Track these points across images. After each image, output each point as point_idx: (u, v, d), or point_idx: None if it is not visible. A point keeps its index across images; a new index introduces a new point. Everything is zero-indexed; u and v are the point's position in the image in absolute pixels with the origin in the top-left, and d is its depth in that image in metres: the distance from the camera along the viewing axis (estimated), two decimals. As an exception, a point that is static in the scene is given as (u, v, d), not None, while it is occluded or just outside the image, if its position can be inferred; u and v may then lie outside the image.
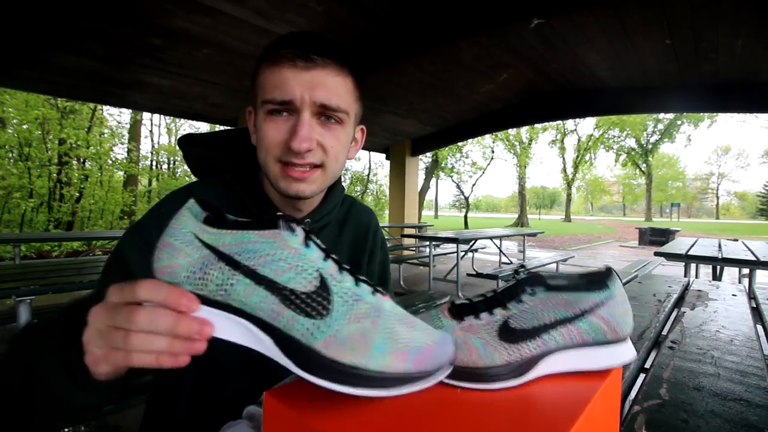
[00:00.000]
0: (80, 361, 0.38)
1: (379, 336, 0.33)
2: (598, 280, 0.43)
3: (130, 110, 11.07)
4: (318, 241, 0.37)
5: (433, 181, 22.97)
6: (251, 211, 0.64)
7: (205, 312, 0.34)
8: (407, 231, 7.64)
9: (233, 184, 0.65)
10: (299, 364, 0.32)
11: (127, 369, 0.38)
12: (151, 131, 18.63)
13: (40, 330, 0.47)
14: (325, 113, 0.56)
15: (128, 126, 11.87)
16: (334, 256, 0.37)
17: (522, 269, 0.43)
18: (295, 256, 0.35)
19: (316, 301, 0.33)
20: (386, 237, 7.42)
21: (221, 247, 0.35)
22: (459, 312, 0.42)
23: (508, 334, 0.39)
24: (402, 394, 0.32)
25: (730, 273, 4.97)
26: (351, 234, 0.75)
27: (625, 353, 0.42)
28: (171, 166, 17.69)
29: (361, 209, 0.79)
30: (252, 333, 0.34)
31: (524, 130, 23.68)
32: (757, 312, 1.52)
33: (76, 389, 0.41)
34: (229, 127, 0.73)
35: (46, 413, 0.43)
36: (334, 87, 0.56)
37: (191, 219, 0.36)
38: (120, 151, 11.62)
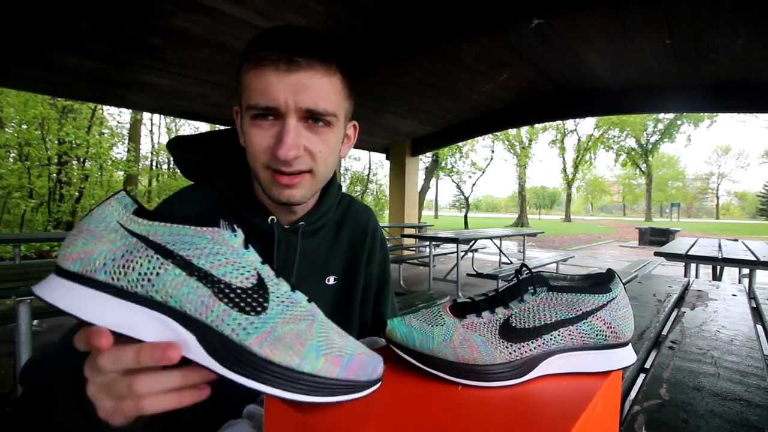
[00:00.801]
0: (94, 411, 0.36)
1: (315, 338, 0.32)
2: (600, 282, 0.43)
3: (130, 110, 11.07)
4: (246, 240, 0.36)
5: (433, 181, 22.97)
6: (243, 216, 0.62)
7: (118, 305, 0.31)
8: (407, 231, 7.64)
9: (223, 187, 0.63)
10: (225, 363, 0.29)
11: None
12: (151, 131, 18.64)
13: (48, 366, 0.45)
14: (312, 117, 0.54)
15: (128, 126, 11.88)
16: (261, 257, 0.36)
17: (524, 269, 0.43)
18: (233, 254, 0.34)
19: (252, 298, 0.32)
20: (387, 237, 7.41)
21: (152, 237, 0.32)
22: (461, 310, 0.42)
23: (509, 332, 0.39)
24: (333, 402, 0.31)
25: (730, 273, 4.97)
26: (349, 234, 0.74)
27: (626, 357, 0.42)
28: (171, 166, 17.69)
29: (359, 208, 0.78)
30: (172, 331, 0.31)
31: (524, 130, 23.70)
32: (757, 312, 1.52)
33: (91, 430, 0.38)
34: (221, 127, 0.72)
35: None
36: (320, 89, 0.53)
37: (119, 209, 0.34)
38: (120, 151, 11.63)
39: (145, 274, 0.31)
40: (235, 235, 0.35)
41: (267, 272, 0.35)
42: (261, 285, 0.33)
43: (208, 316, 0.31)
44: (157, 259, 0.31)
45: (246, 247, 0.35)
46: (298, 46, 0.51)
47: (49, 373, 0.44)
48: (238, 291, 0.32)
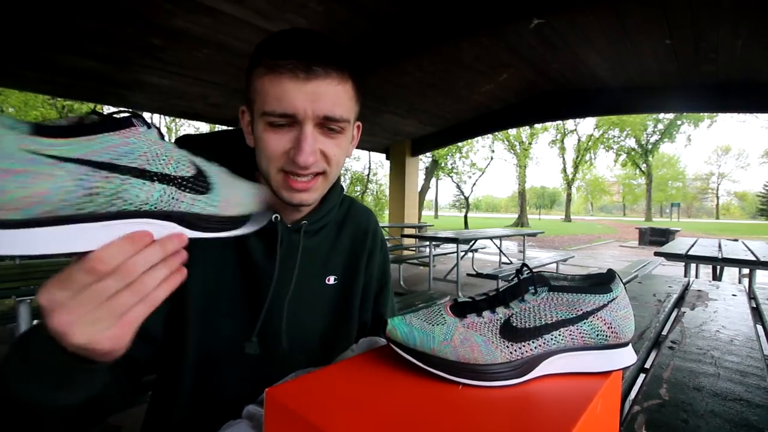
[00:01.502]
0: (44, 353, 0.36)
1: (243, 190, 0.45)
2: (601, 282, 0.43)
3: (130, 110, 11.04)
4: (159, 131, 0.39)
5: (433, 181, 22.98)
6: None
7: (99, 230, 0.32)
8: (407, 231, 7.64)
9: None
10: (199, 229, 0.39)
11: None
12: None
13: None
14: (327, 124, 0.55)
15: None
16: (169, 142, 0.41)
17: (525, 269, 0.43)
18: (165, 148, 0.37)
19: (200, 181, 0.40)
20: (386, 237, 7.42)
21: (92, 156, 0.31)
22: (461, 309, 0.42)
23: (510, 332, 0.39)
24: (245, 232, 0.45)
25: (730, 273, 4.96)
26: (350, 234, 0.75)
27: (626, 357, 0.42)
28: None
29: (360, 210, 0.79)
30: (151, 225, 0.36)
31: (524, 130, 23.70)
32: (757, 312, 1.52)
33: (45, 388, 0.38)
34: (227, 128, 0.72)
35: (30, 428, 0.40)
36: (335, 96, 0.54)
37: (10, 134, 0.28)
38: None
39: (113, 194, 0.32)
40: (150, 129, 0.37)
41: (188, 155, 0.40)
42: (198, 168, 0.41)
43: (182, 206, 0.38)
44: (115, 176, 0.32)
45: (162, 138, 0.39)
46: (315, 54, 0.52)
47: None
48: (191, 179, 0.39)
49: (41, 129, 0.30)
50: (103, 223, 0.32)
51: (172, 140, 0.68)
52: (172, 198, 0.37)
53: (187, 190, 0.38)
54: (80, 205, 0.30)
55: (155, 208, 0.35)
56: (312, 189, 0.58)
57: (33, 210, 0.28)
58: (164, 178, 0.36)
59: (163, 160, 0.36)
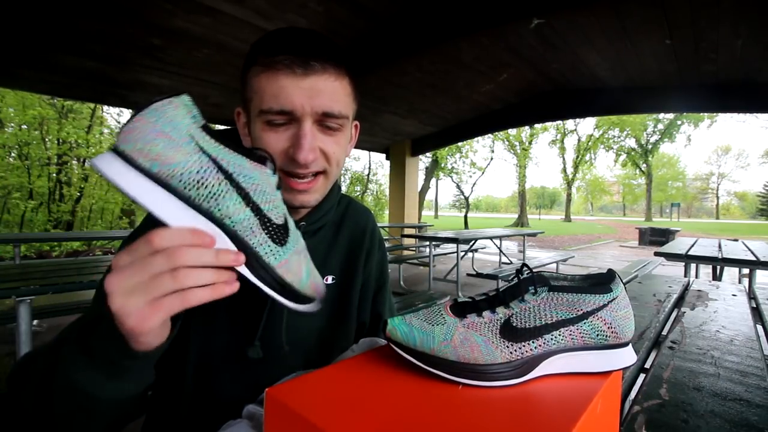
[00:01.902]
0: (106, 342, 0.38)
1: (306, 269, 0.44)
2: (601, 282, 0.43)
3: (130, 110, 11.07)
4: (279, 180, 0.45)
5: (433, 181, 22.98)
6: None
7: (186, 211, 0.37)
8: (407, 231, 7.64)
9: None
10: (254, 273, 0.39)
11: (171, 330, 0.41)
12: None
13: (45, 351, 0.45)
14: (326, 121, 0.54)
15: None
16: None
17: (525, 269, 0.43)
18: (273, 193, 0.43)
19: (281, 233, 0.42)
20: (386, 237, 7.42)
21: (221, 161, 0.39)
22: (461, 309, 0.42)
23: (510, 332, 0.39)
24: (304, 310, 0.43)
25: (730, 273, 4.97)
26: (348, 234, 0.74)
27: (626, 357, 0.42)
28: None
29: (358, 209, 0.79)
30: (224, 243, 0.38)
31: (524, 130, 23.69)
32: (757, 312, 1.52)
33: (102, 377, 0.40)
34: (225, 127, 0.72)
35: (76, 416, 0.42)
36: (333, 92, 0.53)
37: (188, 118, 0.38)
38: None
39: (215, 194, 0.38)
40: (275, 175, 0.44)
41: (287, 212, 0.45)
42: (286, 224, 0.43)
43: (252, 240, 0.39)
44: (227, 184, 0.38)
45: (278, 188, 0.44)
46: (312, 50, 0.52)
47: (48, 353, 0.44)
48: (275, 226, 0.41)
49: (206, 127, 0.40)
50: (190, 208, 0.37)
51: None
52: (251, 228, 0.39)
53: (266, 232, 0.40)
54: (188, 185, 0.37)
55: (233, 227, 0.38)
56: (313, 190, 0.58)
57: (157, 165, 0.35)
58: (257, 210, 0.40)
59: (266, 198, 0.41)
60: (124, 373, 0.41)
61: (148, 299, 0.35)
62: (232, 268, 0.38)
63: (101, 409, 0.42)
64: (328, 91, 0.53)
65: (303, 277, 0.43)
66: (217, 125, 6.77)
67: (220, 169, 0.38)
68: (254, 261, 0.39)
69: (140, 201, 0.35)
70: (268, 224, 0.40)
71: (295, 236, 0.44)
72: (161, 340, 0.40)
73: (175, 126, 0.37)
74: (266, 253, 0.40)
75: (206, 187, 0.37)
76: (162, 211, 0.36)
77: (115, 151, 0.35)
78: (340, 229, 0.74)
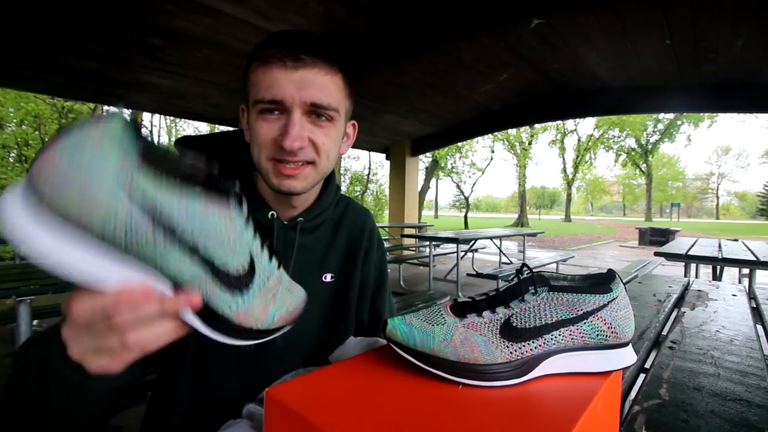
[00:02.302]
0: (64, 370, 0.37)
1: (275, 305, 0.39)
2: (601, 282, 0.43)
3: (130, 110, 11.06)
4: (248, 213, 0.37)
5: (433, 181, 22.98)
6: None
7: (111, 264, 0.30)
8: (407, 231, 7.64)
9: None
10: (208, 324, 0.35)
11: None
12: (151, 131, 18.66)
13: (46, 335, 0.45)
14: (316, 111, 0.57)
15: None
16: (254, 226, 0.38)
17: (525, 269, 0.43)
18: (237, 238, 0.35)
19: (241, 281, 0.36)
20: (386, 237, 7.41)
21: (161, 208, 0.30)
22: (461, 309, 0.42)
23: (510, 332, 0.39)
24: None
25: (730, 273, 4.97)
26: (347, 233, 0.75)
27: (626, 357, 0.42)
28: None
29: (357, 209, 0.80)
30: (170, 292, 0.34)
31: (524, 130, 23.69)
32: (757, 312, 1.52)
33: (84, 377, 0.40)
34: (228, 128, 0.73)
35: (71, 405, 0.42)
36: (323, 85, 0.56)
37: (115, 154, 0.28)
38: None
39: (150, 245, 0.31)
40: (240, 211, 0.36)
41: (256, 247, 0.38)
42: (251, 269, 0.37)
43: (202, 292, 0.34)
44: (165, 238, 0.31)
45: (247, 220, 0.37)
46: (303, 45, 0.55)
47: (41, 343, 0.44)
48: (233, 277, 0.36)
49: (150, 155, 0.30)
50: (119, 259, 0.31)
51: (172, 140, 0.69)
52: (199, 284, 0.34)
53: (220, 284, 0.35)
54: (117, 238, 0.30)
55: (177, 278, 0.33)
56: (300, 176, 0.59)
57: (72, 218, 0.28)
58: (207, 263, 0.34)
59: (222, 248, 0.34)
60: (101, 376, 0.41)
61: (102, 354, 0.34)
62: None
63: (93, 398, 0.43)
64: (318, 84, 0.56)
65: (269, 317, 0.39)
66: (217, 125, 6.78)
67: (159, 222, 0.30)
68: (204, 314, 0.35)
69: (47, 260, 0.28)
70: (223, 277, 0.35)
71: (264, 276, 0.39)
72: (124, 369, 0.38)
73: (94, 168, 0.28)
74: (220, 305, 0.35)
75: (138, 241, 0.30)
76: (97, 274, 0.30)
77: (25, 190, 0.28)
78: (339, 228, 0.75)
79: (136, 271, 0.32)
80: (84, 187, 0.28)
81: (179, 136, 0.71)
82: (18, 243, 0.28)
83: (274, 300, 0.39)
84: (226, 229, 0.34)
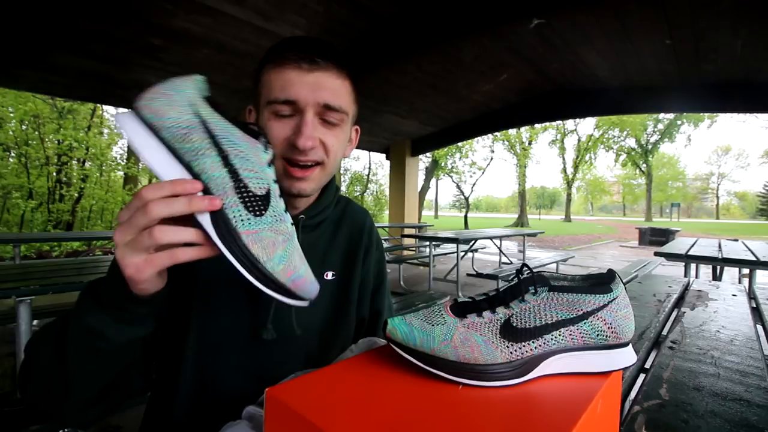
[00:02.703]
0: (111, 286, 0.43)
1: (282, 251, 0.41)
2: (601, 282, 0.43)
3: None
4: (272, 158, 0.47)
5: (433, 181, 22.98)
6: None
7: (172, 163, 0.41)
8: (407, 231, 7.64)
9: None
10: (218, 234, 0.40)
11: (165, 283, 0.45)
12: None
13: (61, 317, 0.50)
14: (327, 114, 0.59)
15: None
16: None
17: (525, 269, 0.43)
18: (259, 166, 0.44)
19: (257, 203, 0.42)
20: (386, 237, 7.41)
21: (209, 123, 0.43)
22: (461, 309, 0.42)
23: (510, 332, 0.39)
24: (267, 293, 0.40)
25: (730, 273, 4.97)
26: (346, 232, 0.77)
27: (627, 358, 0.42)
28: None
29: (356, 210, 0.82)
30: (200, 194, 0.40)
31: (524, 130, 23.68)
32: (757, 312, 1.52)
33: (110, 320, 0.45)
34: None
35: (86, 358, 0.47)
36: (335, 88, 0.59)
37: (193, 89, 0.44)
38: (120, 150, 11.58)
39: (196, 150, 0.41)
40: (266, 152, 0.46)
41: (275, 190, 0.45)
42: (267, 198, 0.43)
43: (223, 199, 0.40)
44: (208, 142, 0.41)
45: (269, 165, 0.45)
46: (318, 49, 0.58)
47: (58, 320, 0.50)
48: (250, 194, 0.41)
49: (211, 100, 0.45)
50: (173, 159, 0.41)
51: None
52: (223, 188, 0.40)
53: (239, 196, 0.41)
54: (175, 137, 0.41)
55: (207, 182, 0.40)
56: (310, 179, 0.61)
57: (154, 118, 0.41)
58: (233, 173, 0.41)
59: (247, 165, 0.42)
60: (127, 315, 0.46)
61: (140, 253, 0.39)
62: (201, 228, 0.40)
63: (110, 349, 0.47)
64: (330, 87, 0.58)
65: (274, 258, 0.40)
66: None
67: (206, 129, 0.42)
68: (219, 220, 0.40)
69: (134, 143, 0.40)
70: (243, 190, 0.41)
71: (278, 216, 0.43)
72: (157, 288, 0.44)
73: (177, 91, 0.43)
74: (233, 216, 0.40)
75: (190, 142, 0.41)
76: (151, 157, 0.40)
77: (132, 107, 0.42)
78: (340, 227, 0.76)
79: (184, 171, 0.41)
80: (169, 96, 0.42)
81: None
82: (123, 131, 0.40)
83: (284, 245, 0.42)
84: (252, 154, 0.43)
